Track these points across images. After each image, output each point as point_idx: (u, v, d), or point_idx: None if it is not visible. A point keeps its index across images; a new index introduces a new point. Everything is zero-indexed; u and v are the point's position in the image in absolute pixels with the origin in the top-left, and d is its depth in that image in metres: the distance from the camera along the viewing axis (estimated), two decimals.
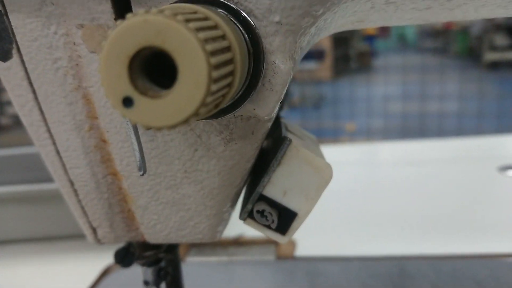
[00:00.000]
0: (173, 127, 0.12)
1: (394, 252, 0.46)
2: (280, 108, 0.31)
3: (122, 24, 0.12)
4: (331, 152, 0.87)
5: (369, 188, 0.67)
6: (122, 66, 0.12)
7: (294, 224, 0.24)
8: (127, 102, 0.12)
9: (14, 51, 0.20)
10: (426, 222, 0.54)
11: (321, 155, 0.26)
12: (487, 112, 2.09)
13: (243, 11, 0.18)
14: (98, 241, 0.26)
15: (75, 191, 0.24)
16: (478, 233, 0.50)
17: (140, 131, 0.21)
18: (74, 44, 0.20)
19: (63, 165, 0.23)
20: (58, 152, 0.23)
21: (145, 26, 0.12)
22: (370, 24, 0.23)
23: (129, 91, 0.12)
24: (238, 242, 0.52)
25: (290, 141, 0.23)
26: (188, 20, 0.12)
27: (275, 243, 0.51)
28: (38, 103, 0.22)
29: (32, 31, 0.20)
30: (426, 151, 0.82)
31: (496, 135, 0.97)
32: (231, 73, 0.14)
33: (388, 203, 0.60)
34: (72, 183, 0.24)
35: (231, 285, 0.43)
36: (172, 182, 0.23)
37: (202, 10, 0.14)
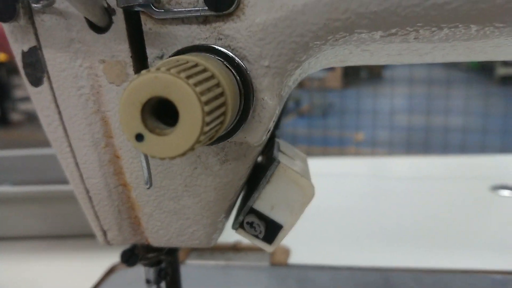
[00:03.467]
0: (173, 158, 0.16)
1: (381, 264, 0.49)
2: (275, 128, 0.34)
3: (138, 78, 0.15)
4: (334, 164, 0.90)
5: (366, 201, 0.70)
6: (136, 110, 0.16)
7: (280, 235, 0.28)
8: (139, 137, 0.16)
9: (45, 79, 0.24)
10: (415, 236, 0.57)
11: (307, 174, 0.29)
12: (492, 128, 2.10)
13: (238, 56, 0.21)
14: (108, 242, 0.30)
15: (89, 198, 0.28)
16: (463, 249, 0.53)
17: None
18: (96, 75, 0.23)
19: (81, 175, 0.27)
20: (77, 164, 0.27)
21: (155, 81, 0.15)
22: (352, 63, 0.26)
23: (141, 129, 0.16)
24: (236, 248, 0.55)
25: (279, 162, 0.27)
26: (189, 77, 0.16)
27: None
28: (63, 123, 0.25)
29: (61, 64, 0.23)
30: (422, 167, 0.85)
31: (493, 153, 0.99)
32: (223, 113, 0.18)
33: (382, 217, 0.63)
34: (87, 191, 0.28)
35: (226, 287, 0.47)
36: (174, 194, 0.26)
37: (201, 62, 0.18)
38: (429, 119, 2.40)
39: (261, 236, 0.27)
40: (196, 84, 0.16)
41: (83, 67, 0.23)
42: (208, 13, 0.21)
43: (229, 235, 0.32)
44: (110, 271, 0.51)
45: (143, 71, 0.15)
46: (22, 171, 0.71)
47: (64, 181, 0.30)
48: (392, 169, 0.87)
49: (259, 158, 0.32)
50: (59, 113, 0.25)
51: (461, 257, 0.51)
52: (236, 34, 0.21)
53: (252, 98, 0.21)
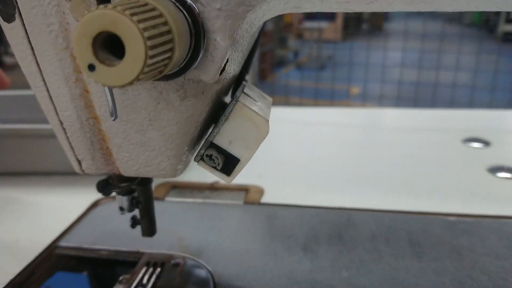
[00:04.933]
0: (122, 86, 0.18)
1: (345, 205, 0.53)
2: (245, 71, 0.37)
3: (88, 14, 0.18)
4: (325, 113, 0.93)
5: (344, 149, 0.73)
6: (88, 42, 0.18)
7: (237, 168, 0.31)
8: (91, 67, 0.18)
9: (16, 16, 0.26)
10: (380, 181, 0.60)
11: (265, 114, 0.32)
12: (499, 86, 2.10)
13: None
14: (83, 171, 0.33)
15: (64, 129, 0.30)
16: (424, 194, 0.57)
17: None
18: (64, 13, 0.25)
19: (55, 108, 0.29)
20: (50, 97, 0.29)
21: (103, 17, 0.17)
22: (306, 10, 0.28)
23: (92, 60, 0.18)
24: (213, 187, 0.59)
25: (237, 101, 0.29)
26: (133, 14, 0.18)
27: (245, 190, 0.58)
28: (35, 58, 0.27)
29: (31, 1, 0.25)
30: (399, 119, 0.88)
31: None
32: (170, 49, 0.20)
33: (355, 164, 0.67)
34: (61, 123, 0.30)
35: (202, 222, 0.50)
36: (139, 127, 0.29)
37: (151, 2, 0.20)
38: (437, 74, 2.36)
39: (219, 167, 0.30)
40: (140, 21, 0.18)
41: (52, 5, 0.25)
42: None
43: (208, 175, 0.35)
44: (94, 204, 0.55)
45: (93, 8, 0.17)
46: (14, 110, 0.73)
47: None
48: (373, 120, 0.90)
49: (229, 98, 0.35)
50: (32, 48, 0.27)
51: (421, 200, 0.55)
52: None
53: (203, 37, 0.23)
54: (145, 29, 0.18)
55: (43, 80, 0.28)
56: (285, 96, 2.37)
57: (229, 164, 0.30)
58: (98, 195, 0.56)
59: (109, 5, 0.18)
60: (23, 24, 0.26)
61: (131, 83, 0.18)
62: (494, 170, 0.63)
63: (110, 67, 0.18)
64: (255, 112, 0.30)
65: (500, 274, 0.41)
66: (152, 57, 0.18)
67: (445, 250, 0.44)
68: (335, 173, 0.63)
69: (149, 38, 0.18)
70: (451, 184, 0.59)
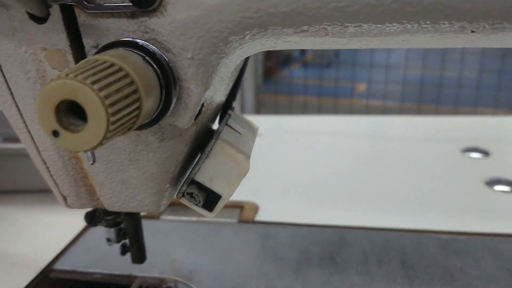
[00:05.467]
0: (86, 151, 0.19)
1: (338, 222, 0.53)
2: (232, 100, 0.37)
3: (50, 83, 0.18)
4: (325, 121, 0.92)
5: (341, 160, 0.73)
6: (50, 110, 0.18)
7: (219, 203, 0.31)
8: (55, 133, 0.18)
9: None
10: (373, 197, 0.60)
11: (247, 148, 0.32)
12: (505, 85, 2.07)
13: (163, 49, 0.23)
14: (68, 206, 0.33)
15: (47, 168, 0.31)
16: (416, 211, 0.56)
17: None
18: (40, 61, 0.26)
19: (37, 148, 0.30)
20: (32, 138, 0.29)
21: (64, 87, 0.18)
22: (284, 48, 0.28)
23: (56, 126, 0.18)
24: None
25: (216, 139, 0.29)
26: (95, 81, 0.18)
27: (239, 208, 0.58)
28: (15, 102, 0.28)
29: (7, 50, 0.26)
30: (409, 128, 0.87)
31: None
32: (138, 108, 0.20)
33: (352, 176, 0.67)
34: (45, 162, 0.30)
35: (195, 243, 0.51)
36: (120, 167, 0.29)
37: (117, 62, 0.20)
38: (442, 73, 2.33)
39: (200, 205, 0.30)
40: (101, 88, 0.18)
41: (28, 53, 0.25)
42: (134, 9, 0.23)
43: None
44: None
45: (54, 77, 0.18)
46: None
47: None
48: (373, 129, 0.90)
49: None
50: (11, 93, 0.27)
51: (415, 217, 0.55)
52: (161, 28, 0.23)
53: (175, 87, 0.23)
54: (106, 97, 0.18)
55: (24, 122, 0.29)
56: (289, 94, 2.36)
57: (211, 200, 0.31)
58: None
59: (72, 73, 0.18)
60: (2, 71, 0.26)
61: (95, 148, 0.18)
62: (492, 183, 0.62)
63: (74, 133, 0.18)
64: (235, 149, 0.30)
65: None
66: (114, 122, 0.18)
67: (437, 273, 0.44)
68: (330, 188, 0.63)
69: (111, 105, 0.18)
70: (446, 198, 0.59)
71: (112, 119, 0.18)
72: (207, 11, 0.22)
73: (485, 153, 0.72)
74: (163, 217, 0.57)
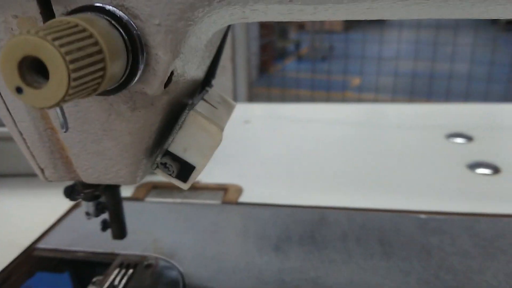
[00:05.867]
0: (49, 108, 0.19)
1: (319, 203, 0.54)
2: (211, 78, 0.37)
3: (12, 39, 0.18)
4: (308, 109, 0.93)
5: (325, 145, 0.73)
6: (13, 66, 0.18)
7: (193, 174, 0.31)
8: (19, 90, 0.19)
9: None
10: (355, 180, 0.61)
11: (220, 121, 0.32)
12: (496, 77, 2.08)
13: (131, 15, 0.24)
14: (46, 179, 0.34)
15: (24, 139, 0.31)
16: (399, 192, 0.57)
17: None
18: (12, 29, 0.26)
19: (13, 119, 0.30)
20: (8, 109, 0.30)
21: (26, 43, 0.18)
22: (254, 20, 0.28)
23: (19, 83, 0.19)
24: (193, 187, 0.60)
25: (189, 110, 0.30)
26: (57, 38, 0.18)
27: (224, 190, 0.59)
28: None
29: None
30: (395, 115, 0.88)
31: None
32: (102, 69, 0.21)
33: (336, 160, 0.67)
34: (21, 133, 0.31)
35: (178, 223, 0.51)
36: (95, 137, 0.30)
37: (81, 23, 0.20)
38: (433, 66, 2.35)
39: (174, 175, 0.31)
40: (63, 45, 0.18)
41: (0, 21, 0.26)
42: None
43: None
44: (75, 205, 0.56)
45: (17, 33, 0.18)
46: None
47: None
48: (359, 115, 0.90)
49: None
50: None
51: (396, 198, 0.55)
52: None
53: (142, 53, 0.24)
54: (67, 53, 0.18)
55: (0, 93, 0.29)
56: (283, 88, 2.37)
57: (185, 171, 0.31)
58: None
59: (34, 30, 0.18)
60: None
61: (58, 104, 0.19)
62: (474, 166, 0.63)
63: (36, 90, 0.19)
64: (209, 120, 0.30)
65: (466, 273, 0.42)
66: (76, 79, 0.19)
67: (414, 250, 0.45)
68: (313, 170, 0.64)
69: (72, 61, 0.18)
70: (428, 180, 0.60)
71: (74, 75, 0.18)
72: None
73: (469, 138, 0.73)
74: (148, 198, 0.58)
